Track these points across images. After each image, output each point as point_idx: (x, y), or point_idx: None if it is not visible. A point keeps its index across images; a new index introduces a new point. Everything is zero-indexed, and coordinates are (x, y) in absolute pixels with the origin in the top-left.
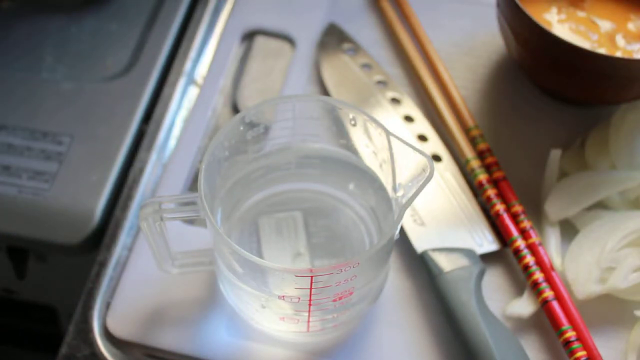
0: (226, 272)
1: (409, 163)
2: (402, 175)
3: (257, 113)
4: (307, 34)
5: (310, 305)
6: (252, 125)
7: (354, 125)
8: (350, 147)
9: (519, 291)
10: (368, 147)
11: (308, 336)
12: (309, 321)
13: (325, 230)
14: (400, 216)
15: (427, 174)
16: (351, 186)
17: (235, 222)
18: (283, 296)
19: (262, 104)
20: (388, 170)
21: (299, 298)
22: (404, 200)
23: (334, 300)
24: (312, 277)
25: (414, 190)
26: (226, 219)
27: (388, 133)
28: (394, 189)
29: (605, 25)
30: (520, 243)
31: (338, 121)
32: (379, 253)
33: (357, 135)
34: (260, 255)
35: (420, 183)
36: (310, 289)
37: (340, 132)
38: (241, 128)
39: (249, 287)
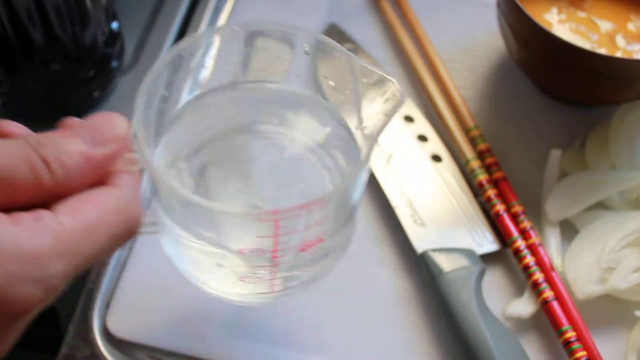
0: (174, 229)
1: (375, 90)
2: (368, 106)
3: (193, 46)
4: None
5: (274, 257)
6: (190, 61)
7: (308, 54)
8: (307, 82)
9: (519, 291)
10: (327, 78)
11: (269, 298)
12: (273, 279)
13: (283, 178)
14: (370, 149)
15: (398, 98)
16: (309, 126)
17: (178, 175)
18: (243, 250)
19: (199, 35)
20: (351, 101)
21: (262, 250)
22: (373, 132)
23: (302, 250)
24: (277, 220)
25: (383, 118)
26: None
27: (350, 58)
28: (360, 122)
29: (605, 25)
30: (520, 243)
31: (292, 52)
32: (349, 190)
33: (315, 67)
34: (222, 239)
35: (390, 109)
36: (275, 236)
37: (296, 67)
38: (180, 64)
39: (202, 243)
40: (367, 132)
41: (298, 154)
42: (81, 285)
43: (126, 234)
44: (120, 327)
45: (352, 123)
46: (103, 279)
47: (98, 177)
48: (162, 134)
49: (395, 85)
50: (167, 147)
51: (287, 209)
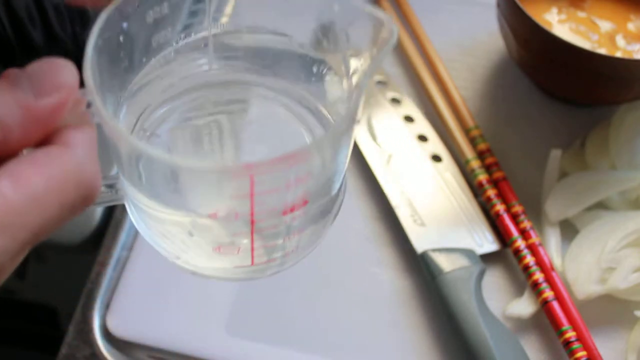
0: (139, 197)
1: (363, 31)
2: (356, 47)
3: None
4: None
5: (252, 222)
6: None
7: None
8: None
9: (519, 291)
10: (306, 22)
11: (251, 272)
12: (252, 249)
13: (259, 137)
14: (359, 96)
15: (390, 38)
16: (288, 80)
17: (142, 136)
18: (215, 214)
19: None
20: (336, 43)
21: (237, 214)
22: (360, 77)
23: (284, 214)
24: (252, 176)
25: (372, 61)
26: (131, 132)
27: None
28: (346, 69)
29: (605, 25)
30: (520, 243)
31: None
32: (336, 145)
33: (290, 11)
34: (189, 202)
35: (383, 50)
36: (252, 195)
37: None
38: (137, 6)
39: (169, 209)
40: (354, 80)
41: (278, 112)
42: (81, 285)
43: (81, 201)
44: (120, 327)
45: (339, 72)
46: (103, 279)
47: (44, 134)
48: (128, 97)
49: (386, 21)
50: (132, 111)
51: (263, 162)
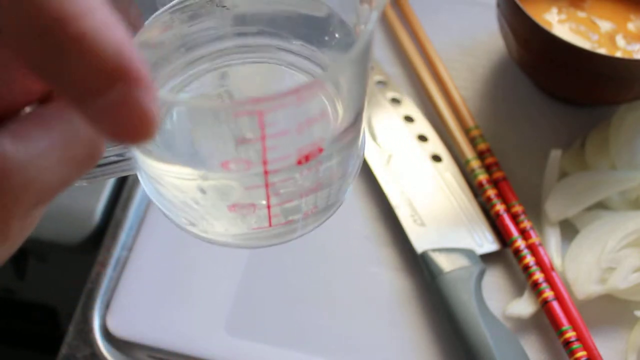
0: (149, 161)
1: None
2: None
3: None
4: None
5: (266, 173)
6: None
7: None
8: None
9: (519, 291)
10: None
11: (270, 236)
12: (269, 206)
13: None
14: (373, 22)
15: None
16: (304, 42)
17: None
18: (226, 163)
19: None
20: None
21: (249, 161)
22: (374, 6)
23: (299, 163)
24: (261, 114)
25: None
26: None
27: None
28: (357, 12)
29: (605, 25)
30: (520, 243)
31: None
32: (349, 80)
33: None
34: (198, 153)
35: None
36: (262, 138)
37: None
38: None
39: (179, 166)
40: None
41: (297, 77)
42: (81, 285)
43: (87, 158)
44: (120, 327)
45: (350, 19)
46: (103, 279)
47: (45, 90)
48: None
49: None
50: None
51: (272, 95)
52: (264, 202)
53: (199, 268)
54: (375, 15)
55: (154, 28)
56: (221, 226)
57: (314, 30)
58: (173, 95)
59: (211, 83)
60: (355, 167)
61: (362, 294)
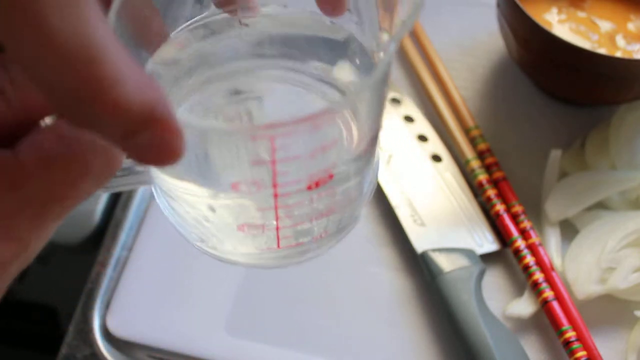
0: (162, 176)
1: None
2: (387, 16)
3: None
4: None
5: (276, 196)
6: None
7: None
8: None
9: (519, 291)
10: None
11: (279, 257)
12: (277, 228)
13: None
14: (389, 59)
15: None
16: (322, 65)
17: None
18: (237, 184)
19: None
20: (367, 16)
21: (259, 183)
22: (390, 44)
23: (309, 188)
24: (272, 138)
25: (402, 25)
26: None
27: None
28: (378, 43)
29: (605, 25)
30: (520, 243)
31: None
32: (364, 108)
33: None
34: (209, 172)
35: (408, 15)
36: (273, 163)
37: None
38: None
39: (189, 182)
40: (388, 43)
41: (311, 99)
42: (81, 285)
43: (105, 170)
44: (120, 327)
45: (369, 45)
46: (103, 279)
47: None
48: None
49: None
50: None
51: (285, 122)
52: (274, 224)
53: (199, 268)
54: (393, 46)
55: (175, 44)
56: (230, 245)
57: (333, 54)
58: (192, 118)
59: (230, 102)
60: (368, 190)
61: (362, 294)
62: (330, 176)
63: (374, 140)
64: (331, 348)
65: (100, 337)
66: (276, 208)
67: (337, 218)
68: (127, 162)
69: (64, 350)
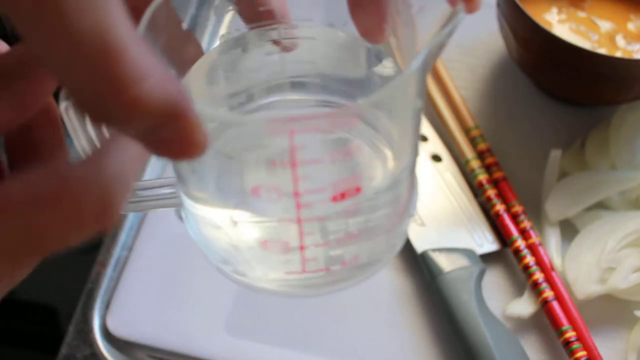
0: (186, 194)
1: (429, 20)
2: (422, 39)
3: None
4: None
5: (299, 207)
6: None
7: None
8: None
9: (519, 291)
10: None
11: (304, 284)
12: (302, 247)
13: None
14: (425, 70)
15: (456, 18)
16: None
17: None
18: (257, 189)
19: None
20: (402, 44)
21: (279, 189)
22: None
23: (334, 199)
24: (292, 133)
25: (440, 38)
26: None
27: None
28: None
29: (605, 25)
30: (520, 243)
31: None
32: (392, 117)
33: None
34: (229, 178)
35: (447, 30)
36: (293, 164)
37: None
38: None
39: (211, 192)
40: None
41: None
42: (81, 285)
43: (101, 207)
44: (120, 327)
45: (404, 63)
46: (103, 279)
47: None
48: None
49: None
50: None
51: (305, 115)
52: (297, 242)
53: (199, 268)
54: (421, 57)
55: (205, 65)
56: (254, 268)
57: (356, 89)
58: (211, 110)
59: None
60: (404, 225)
61: (362, 294)
62: (357, 189)
63: (408, 167)
64: (331, 348)
65: (100, 337)
66: (299, 222)
67: (367, 248)
68: (152, 183)
69: (64, 350)
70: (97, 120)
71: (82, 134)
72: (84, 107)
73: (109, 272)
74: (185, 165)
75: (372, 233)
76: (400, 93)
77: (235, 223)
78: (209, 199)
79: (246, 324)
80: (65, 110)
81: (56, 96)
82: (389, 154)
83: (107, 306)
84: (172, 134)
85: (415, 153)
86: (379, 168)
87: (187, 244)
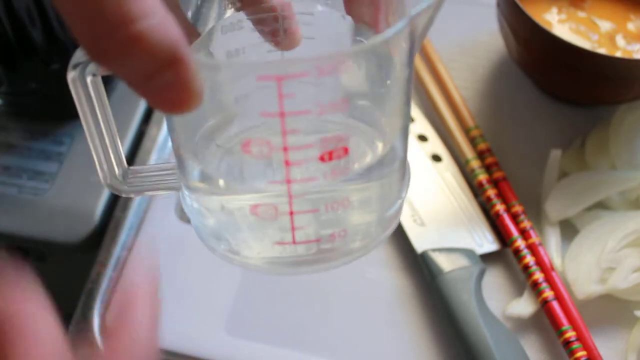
0: (183, 166)
1: None
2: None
3: None
4: None
5: (287, 164)
6: None
7: None
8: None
9: (519, 291)
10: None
11: (295, 257)
12: (291, 212)
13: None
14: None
15: None
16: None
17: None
18: (248, 143)
19: None
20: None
21: (270, 143)
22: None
23: (322, 159)
24: (279, 79)
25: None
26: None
27: None
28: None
29: (605, 25)
30: (520, 243)
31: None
32: (381, 73)
33: None
34: (223, 125)
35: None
36: (282, 113)
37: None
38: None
39: (207, 155)
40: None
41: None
42: (81, 285)
43: None
44: None
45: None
46: (103, 279)
47: None
48: None
49: None
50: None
51: (292, 58)
52: (287, 207)
53: (199, 268)
54: (407, 18)
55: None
56: (246, 236)
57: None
58: (207, 58)
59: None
60: (396, 206)
61: (362, 293)
62: (345, 150)
63: (399, 143)
64: (331, 348)
65: (100, 337)
66: (288, 182)
67: (358, 222)
68: (155, 167)
69: None
70: (100, 60)
71: (87, 106)
72: (87, 44)
73: (109, 272)
74: (179, 121)
75: (361, 207)
76: (388, 50)
77: (227, 187)
78: (202, 162)
79: (246, 323)
80: (73, 81)
81: (65, 68)
82: (378, 128)
83: (107, 306)
84: (170, 80)
85: (405, 132)
86: (368, 137)
87: (187, 244)
